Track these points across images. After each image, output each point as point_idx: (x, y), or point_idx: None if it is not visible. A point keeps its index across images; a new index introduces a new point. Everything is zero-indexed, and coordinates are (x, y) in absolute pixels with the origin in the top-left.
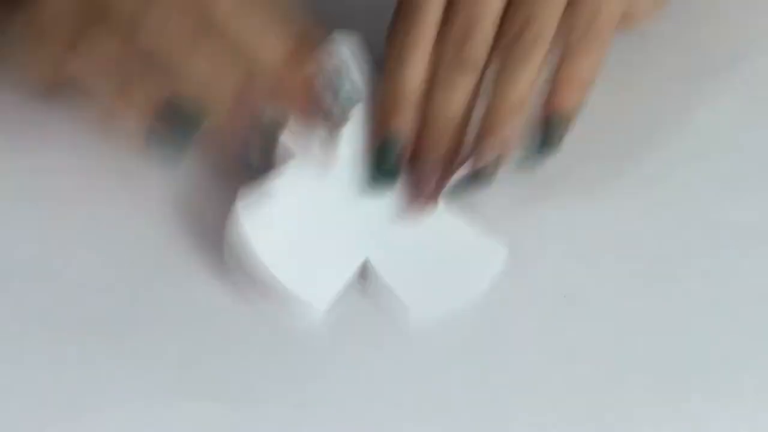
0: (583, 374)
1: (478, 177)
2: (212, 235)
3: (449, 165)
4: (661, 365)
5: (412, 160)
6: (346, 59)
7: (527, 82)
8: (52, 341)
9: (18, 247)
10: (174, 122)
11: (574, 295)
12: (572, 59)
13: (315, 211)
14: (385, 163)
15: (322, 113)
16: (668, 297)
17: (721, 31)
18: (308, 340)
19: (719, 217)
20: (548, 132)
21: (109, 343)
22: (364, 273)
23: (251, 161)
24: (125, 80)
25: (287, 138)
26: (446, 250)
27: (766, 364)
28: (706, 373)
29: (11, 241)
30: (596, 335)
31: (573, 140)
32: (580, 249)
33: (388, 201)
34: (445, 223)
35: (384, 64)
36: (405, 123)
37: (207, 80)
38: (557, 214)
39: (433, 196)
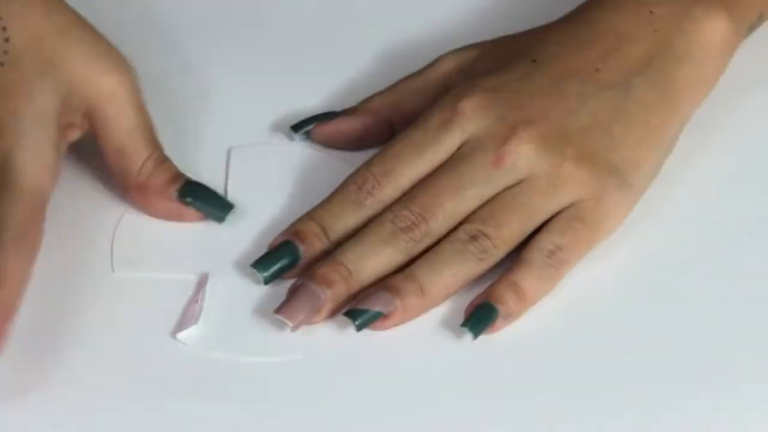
0: (584, 375)
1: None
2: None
3: (330, 308)
4: (662, 365)
5: (303, 278)
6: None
7: (439, 282)
8: (53, 341)
9: None
10: None
11: (575, 294)
12: (529, 277)
13: None
14: (273, 261)
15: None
16: (669, 297)
17: None
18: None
19: (720, 217)
20: (471, 318)
21: (109, 343)
22: None
23: None
24: None
25: None
26: None
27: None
28: (707, 373)
29: None
30: (596, 335)
31: None
32: None
33: None
34: None
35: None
36: (312, 241)
37: None
38: None
39: (297, 324)
